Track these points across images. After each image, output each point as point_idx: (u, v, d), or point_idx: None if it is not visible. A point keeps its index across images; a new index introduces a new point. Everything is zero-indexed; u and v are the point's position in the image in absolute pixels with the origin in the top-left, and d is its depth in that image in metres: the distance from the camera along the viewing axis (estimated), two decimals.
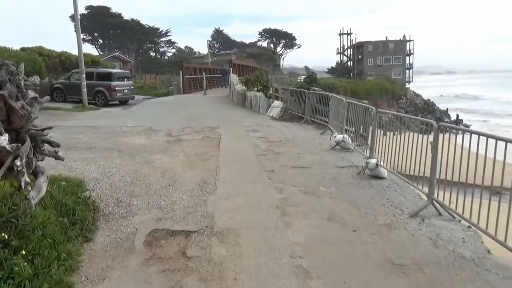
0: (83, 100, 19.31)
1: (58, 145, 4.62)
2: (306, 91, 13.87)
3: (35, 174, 4.34)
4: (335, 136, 9.34)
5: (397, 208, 5.39)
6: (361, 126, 10.52)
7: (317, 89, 14.22)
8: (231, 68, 26.35)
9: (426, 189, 5.31)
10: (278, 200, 5.76)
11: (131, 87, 22.21)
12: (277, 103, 15.99)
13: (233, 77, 22.72)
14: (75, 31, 18.89)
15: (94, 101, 20.58)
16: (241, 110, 17.76)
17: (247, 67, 36.34)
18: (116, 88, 20.72)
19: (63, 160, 5.24)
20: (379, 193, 6.08)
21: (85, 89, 19.28)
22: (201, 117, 15.59)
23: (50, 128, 4.52)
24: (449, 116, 61.94)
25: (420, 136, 5.68)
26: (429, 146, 5.05)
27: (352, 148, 9.06)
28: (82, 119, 15.60)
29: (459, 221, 4.85)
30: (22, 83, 4.07)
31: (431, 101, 74.55)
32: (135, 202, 5.68)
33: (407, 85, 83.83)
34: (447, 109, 68.59)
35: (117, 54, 71.63)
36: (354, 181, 6.66)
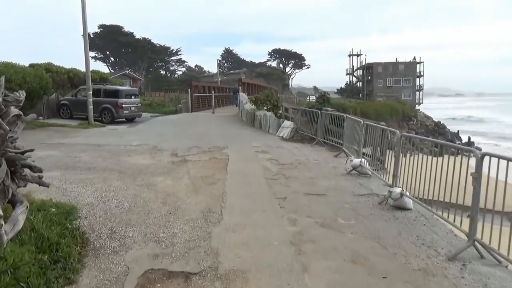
0: (89, 117, 18.92)
1: (40, 170, 4.02)
2: (319, 111, 13.28)
3: (12, 203, 3.73)
4: (351, 160, 8.68)
5: (430, 248, 4.67)
6: (378, 149, 9.87)
7: (330, 109, 13.63)
8: (240, 87, 25.96)
9: (463, 225, 4.61)
10: (292, 234, 5.07)
11: (139, 105, 21.83)
12: (287, 123, 15.40)
13: (243, 96, 22.27)
14: (84, 47, 18.57)
15: (100, 118, 20.20)
16: (250, 129, 17.19)
17: (256, 86, 35.99)
18: (123, 105, 20.34)
19: (48, 187, 4.62)
20: (406, 228, 5.37)
21: (91, 106, 18.91)
22: (208, 137, 15.03)
23: (31, 150, 3.93)
24: (460, 139, 60.87)
25: (444, 159, 5.03)
26: (469, 176, 4.36)
27: (370, 173, 8.38)
28: (86, 136, 15.12)
29: (506, 266, 4.12)
30: (1, 98, 3.50)
31: (441, 123, 73.70)
32: (130, 234, 5.03)
33: (417, 107, 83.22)
34: (458, 131, 67.61)
35: (127, 72, 72.24)
36: (376, 212, 5.96)
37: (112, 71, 79.38)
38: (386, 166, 8.67)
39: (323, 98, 14.55)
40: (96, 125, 18.69)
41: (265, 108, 17.69)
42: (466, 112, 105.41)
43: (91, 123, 18.81)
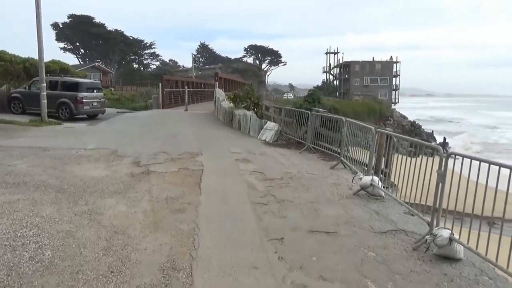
0: (42, 113, 16.45)
1: None
2: (309, 112, 11.41)
3: None
4: (359, 178, 6.84)
5: None
6: (383, 159, 8.18)
7: (322, 110, 11.80)
8: (217, 82, 23.84)
9: None
10: None
11: (102, 100, 19.39)
12: (270, 125, 13.49)
13: (219, 92, 20.17)
14: (37, 29, 16.04)
15: (57, 114, 17.74)
16: (228, 131, 15.17)
17: (233, 81, 33.79)
18: (84, 100, 17.92)
19: None
20: None
21: (45, 100, 16.45)
22: (179, 139, 12.94)
23: None
24: (434, 139, 60.72)
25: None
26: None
27: (383, 194, 6.58)
28: (34, 136, 12.76)
29: None
30: None
31: (416, 123, 73.81)
32: None
33: (392, 106, 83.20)
34: (432, 131, 67.71)
35: (97, 64, 68.93)
36: (418, 268, 4.10)
37: (82, 63, 75.86)
38: (394, 182, 6.94)
39: (312, 97, 12.68)
40: (50, 123, 16.25)
41: (243, 105, 15.73)
42: (437, 112, 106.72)
43: (44, 120, 16.35)
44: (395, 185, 7.31)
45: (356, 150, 9.13)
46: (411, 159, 5.62)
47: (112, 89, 51.55)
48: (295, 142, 12.72)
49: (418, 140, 6.35)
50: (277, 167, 9.14)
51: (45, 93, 16.49)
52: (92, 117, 19.16)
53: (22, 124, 15.30)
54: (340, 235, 4.92)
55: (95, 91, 18.94)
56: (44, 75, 16.69)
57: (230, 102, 15.89)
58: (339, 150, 10.05)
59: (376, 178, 6.60)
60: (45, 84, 16.64)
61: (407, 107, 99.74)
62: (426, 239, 4.39)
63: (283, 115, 13.97)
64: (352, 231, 5.08)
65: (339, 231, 5.05)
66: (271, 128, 13.32)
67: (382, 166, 8.74)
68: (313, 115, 11.31)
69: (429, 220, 4.64)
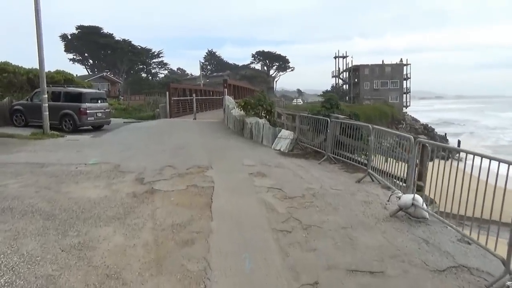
0: (44, 125, 15.69)
1: None
2: (328, 119, 10.42)
3: None
4: (398, 197, 5.82)
5: None
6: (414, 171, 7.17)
7: (342, 116, 10.80)
8: (226, 89, 22.94)
9: None
10: None
11: (107, 110, 18.60)
12: (285, 133, 12.51)
13: (229, 100, 19.26)
14: (37, 38, 15.33)
15: (60, 126, 16.99)
16: (239, 140, 14.21)
17: (243, 88, 32.84)
18: (88, 111, 17.13)
19: None
20: None
21: (47, 112, 15.69)
22: (187, 151, 12.02)
23: None
24: (447, 142, 59.21)
25: None
26: None
27: (427, 216, 5.56)
28: (34, 151, 11.95)
29: None
30: None
31: (429, 126, 72.41)
32: None
33: (404, 110, 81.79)
34: (445, 134, 66.14)
35: (105, 74, 68.80)
36: None
37: (90, 73, 75.87)
38: (430, 196, 5.93)
39: (330, 102, 11.67)
40: (53, 135, 15.46)
41: (255, 113, 14.79)
42: (448, 115, 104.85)
43: (46, 132, 15.57)
44: (432, 200, 6.31)
45: (379, 159, 8.16)
46: (444, 165, 4.66)
47: (122, 98, 51.13)
48: (313, 151, 11.73)
49: (464, 149, 5.33)
50: (296, 181, 8.15)
51: (47, 104, 15.75)
52: (97, 128, 18.39)
53: (23, 138, 14.54)
54: (389, 277, 3.91)
55: (99, 101, 18.15)
56: (45, 86, 15.96)
57: (241, 110, 14.96)
58: (363, 161, 9.05)
59: (418, 197, 5.58)
60: (46, 95, 15.90)
61: (417, 110, 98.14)
62: (508, 286, 3.36)
63: (298, 122, 12.99)
64: (402, 269, 4.07)
65: (386, 271, 4.03)
66: (286, 136, 12.35)
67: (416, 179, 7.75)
68: (333, 122, 10.32)
69: (504, 257, 3.61)
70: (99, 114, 17.90)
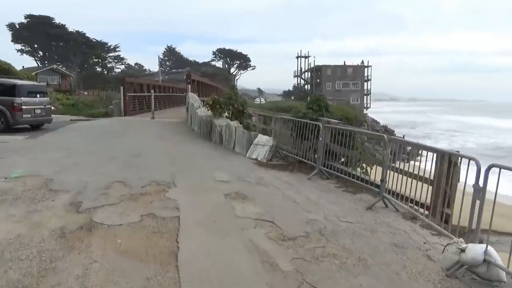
0: None
1: None
2: (319, 124, 8.51)
3: None
4: (460, 249, 3.92)
5: None
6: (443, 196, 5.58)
7: (334, 121, 8.92)
8: (189, 86, 20.55)
9: None
10: None
11: (47, 106, 15.77)
12: (263, 139, 10.50)
13: (193, 98, 16.94)
14: None
15: None
16: (207, 146, 12.01)
17: (208, 85, 30.36)
18: (23, 107, 14.31)
19: None
20: None
21: None
22: (144, 159, 9.74)
23: None
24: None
25: None
26: None
27: (505, 279, 3.74)
28: None
29: None
30: None
31: (388, 127, 73.09)
32: None
33: (364, 111, 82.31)
34: (404, 136, 66.68)
35: (55, 67, 63.93)
36: None
37: (40, 65, 70.52)
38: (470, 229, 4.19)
39: (318, 103, 9.75)
40: None
41: (226, 114, 12.68)
42: (405, 117, 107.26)
43: None
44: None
45: (394, 177, 6.39)
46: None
47: (74, 92, 47.26)
48: (296, 161, 9.82)
49: None
50: (289, 208, 6.15)
51: None
52: (35, 127, 15.57)
53: None
54: None
55: (38, 95, 15.32)
56: None
57: (208, 110, 12.79)
58: (368, 178, 7.21)
59: (492, 251, 3.75)
60: None
61: (375, 112, 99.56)
62: None
63: (277, 126, 11.04)
64: None
65: None
66: (263, 143, 10.34)
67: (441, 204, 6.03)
68: (326, 128, 8.42)
69: None
70: (38, 111, 15.08)
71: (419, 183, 6.07)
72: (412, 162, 7.28)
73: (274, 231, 5.07)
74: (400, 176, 6.16)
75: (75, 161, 9.25)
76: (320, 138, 8.40)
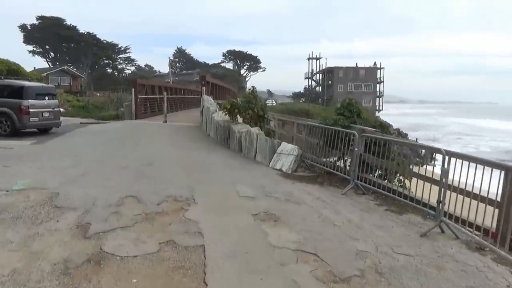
0: None
1: None
2: (355, 133, 7.60)
3: None
4: None
5: None
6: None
7: (370, 129, 8.01)
8: (204, 88, 19.73)
9: None
10: None
11: (56, 109, 15.06)
12: (288, 148, 9.61)
13: (208, 100, 16.12)
14: None
15: None
16: (225, 154, 11.13)
17: (221, 87, 29.45)
18: (30, 110, 13.63)
19: None
20: None
21: None
22: (158, 169, 8.91)
23: None
24: None
25: None
26: None
27: None
28: None
29: None
30: None
31: (401, 130, 71.77)
32: None
33: (376, 114, 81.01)
34: (416, 139, 65.32)
35: (66, 68, 63.78)
36: None
37: (51, 66, 70.51)
38: None
39: (350, 109, 8.84)
40: None
41: (243, 119, 11.82)
42: (416, 120, 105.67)
43: None
44: None
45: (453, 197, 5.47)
46: None
47: (84, 94, 46.88)
48: (324, 172, 8.90)
49: None
50: (331, 234, 5.25)
51: None
52: (43, 131, 14.89)
53: None
54: None
55: (47, 97, 14.63)
56: None
57: (226, 114, 11.93)
58: (414, 195, 6.27)
59: None
60: None
61: (385, 114, 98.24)
62: None
63: (302, 133, 10.15)
64: None
65: None
66: (288, 152, 9.45)
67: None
68: (363, 137, 7.51)
69: None
70: (46, 114, 14.39)
71: (481, 204, 5.19)
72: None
73: (321, 267, 4.18)
74: (459, 196, 5.24)
75: (83, 171, 8.45)
76: (356, 149, 7.48)
